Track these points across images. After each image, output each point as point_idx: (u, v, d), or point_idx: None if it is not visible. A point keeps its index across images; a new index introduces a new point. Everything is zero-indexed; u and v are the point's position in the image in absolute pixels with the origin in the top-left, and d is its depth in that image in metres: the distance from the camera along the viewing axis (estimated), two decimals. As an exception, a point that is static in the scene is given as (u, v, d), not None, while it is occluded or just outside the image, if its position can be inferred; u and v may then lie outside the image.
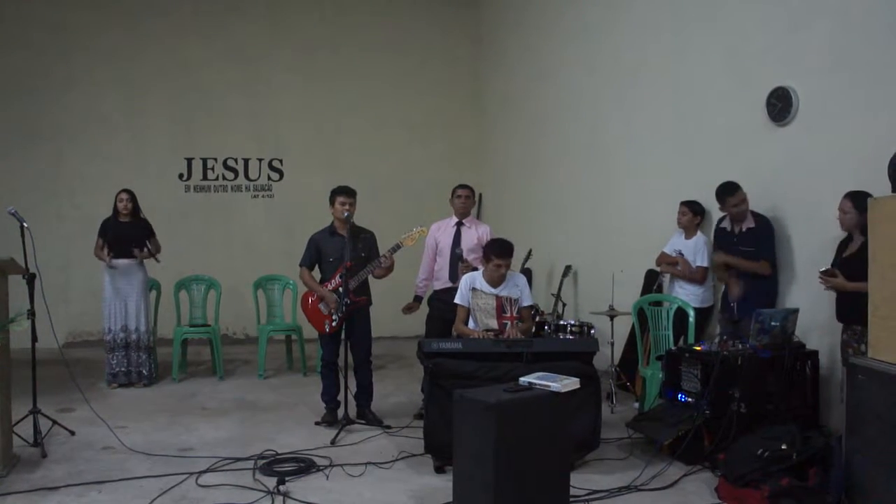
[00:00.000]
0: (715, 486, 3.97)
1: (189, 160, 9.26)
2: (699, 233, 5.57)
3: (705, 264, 5.45)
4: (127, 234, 6.51)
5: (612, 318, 5.94)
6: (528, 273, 7.43)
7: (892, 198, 3.54)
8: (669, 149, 6.12)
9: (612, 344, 5.96)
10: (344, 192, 5.40)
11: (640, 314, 5.68)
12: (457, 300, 5.07)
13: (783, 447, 3.80)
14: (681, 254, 5.61)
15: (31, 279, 4.63)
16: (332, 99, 9.53)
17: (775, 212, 5.02)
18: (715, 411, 4.33)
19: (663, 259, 5.79)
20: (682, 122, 5.97)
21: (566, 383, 3.63)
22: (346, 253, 5.21)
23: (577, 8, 7.57)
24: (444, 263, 5.78)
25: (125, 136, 9.07)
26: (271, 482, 4.06)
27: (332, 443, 4.86)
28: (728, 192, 5.04)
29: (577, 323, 6.19)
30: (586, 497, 3.90)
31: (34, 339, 4.70)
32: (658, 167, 6.26)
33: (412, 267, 6.00)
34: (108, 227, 6.56)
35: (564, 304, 7.24)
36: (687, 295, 5.50)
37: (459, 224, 5.83)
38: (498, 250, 4.89)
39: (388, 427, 5.24)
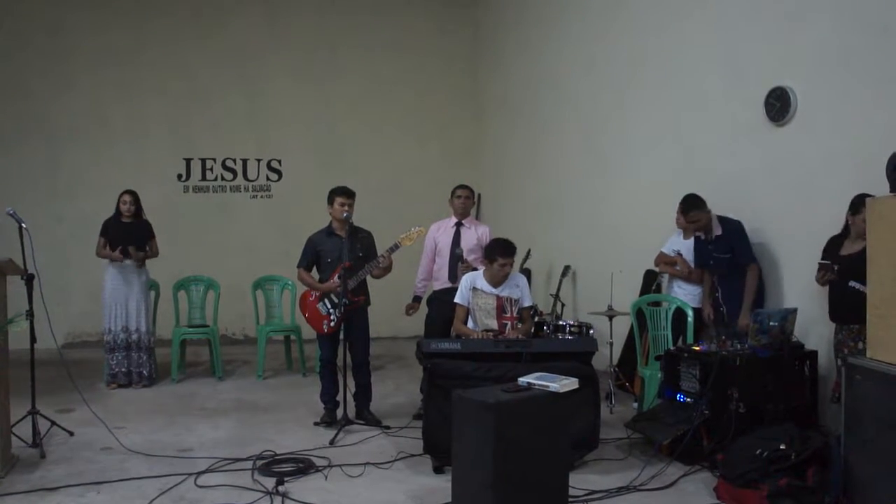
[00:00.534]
0: (714, 486, 3.98)
1: (188, 161, 9.26)
2: (698, 233, 5.57)
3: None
4: (128, 235, 6.51)
5: (610, 318, 5.94)
6: (526, 273, 7.43)
7: (890, 198, 3.54)
8: (668, 149, 6.12)
9: (611, 344, 5.96)
10: (343, 193, 5.40)
11: (639, 314, 5.68)
12: (457, 300, 5.07)
13: (782, 447, 3.80)
14: (679, 254, 5.60)
15: (29, 280, 4.63)
16: (330, 99, 9.53)
17: (774, 211, 5.02)
18: (714, 411, 4.33)
19: (662, 259, 5.80)
20: (680, 122, 5.97)
21: (565, 383, 3.63)
22: (344, 253, 5.21)
23: (575, 8, 7.58)
24: (443, 263, 5.78)
25: (124, 137, 9.06)
26: (270, 482, 4.05)
27: (331, 443, 4.86)
28: (682, 210, 5.18)
29: (575, 323, 6.20)
30: (585, 497, 3.90)
31: (33, 339, 4.70)
32: (656, 167, 6.27)
33: (411, 267, 6.00)
34: (109, 227, 6.57)
35: (563, 305, 7.24)
36: (685, 295, 5.50)
37: (459, 224, 5.84)
38: (503, 250, 4.90)
39: (387, 427, 5.24)
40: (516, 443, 3.40)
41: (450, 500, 3.67)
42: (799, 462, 3.73)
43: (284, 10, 9.46)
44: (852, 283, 4.08)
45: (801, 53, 4.76)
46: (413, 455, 4.58)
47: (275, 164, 9.48)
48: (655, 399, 5.11)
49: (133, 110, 9.09)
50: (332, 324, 5.37)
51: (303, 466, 4.33)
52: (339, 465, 4.38)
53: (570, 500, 3.74)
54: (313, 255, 5.49)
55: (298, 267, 5.53)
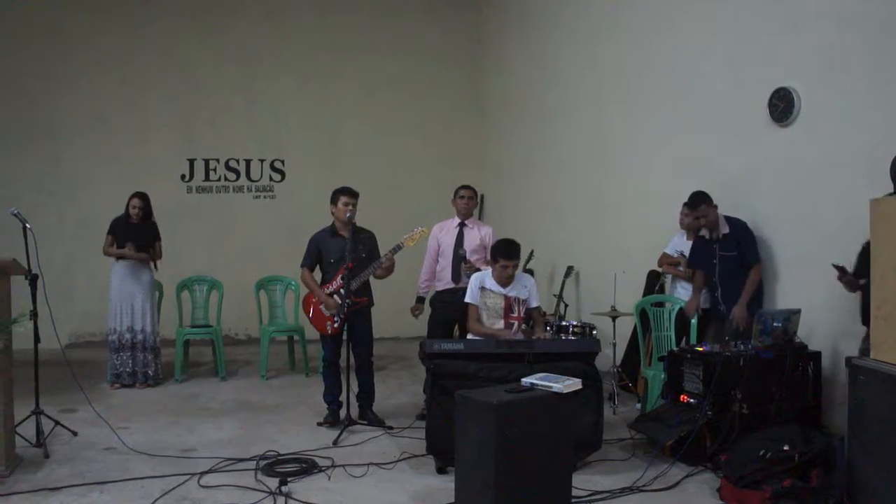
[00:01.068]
0: (717, 487, 3.97)
1: (191, 161, 9.27)
2: (701, 233, 5.57)
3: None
4: (135, 236, 6.54)
5: (613, 318, 5.94)
6: (529, 274, 7.42)
7: (893, 198, 3.54)
8: (671, 149, 6.12)
9: (614, 345, 5.96)
10: (347, 193, 5.40)
11: (642, 315, 5.68)
12: (467, 299, 5.05)
13: (785, 448, 3.80)
14: (682, 254, 5.61)
15: (33, 280, 4.64)
16: (333, 100, 9.54)
17: (777, 212, 5.01)
18: (717, 412, 4.32)
19: (665, 260, 5.80)
20: (683, 123, 5.97)
21: (568, 384, 3.63)
22: (347, 254, 5.21)
23: (577, 9, 7.58)
24: (446, 264, 5.78)
25: (127, 138, 9.07)
26: (273, 483, 4.06)
27: (334, 443, 4.86)
28: (690, 205, 5.17)
29: (578, 324, 6.20)
30: (588, 498, 3.90)
31: (37, 339, 4.71)
32: (659, 168, 6.26)
33: (414, 268, 6.00)
34: (117, 227, 6.59)
35: (566, 305, 7.24)
36: (688, 296, 5.49)
37: (462, 225, 5.84)
38: (505, 252, 4.90)
39: (390, 428, 5.24)
40: (519, 443, 3.40)
41: (453, 500, 3.68)
42: (802, 463, 3.73)
43: (286, 10, 9.46)
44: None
45: (804, 54, 4.76)
46: (416, 455, 4.58)
47: (278, 165, 9.49)
48: (658, 400, 5.11)
49: (135, 111, 9.09)
50: (336, 324, 5.37)
51: (306, 467, 4.34)
52: (343, 466, 4.38)
53: (573, 500, 3.74)
54: (316, 255, 5.50)
55: (302, 266, 5.53)
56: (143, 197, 6.63)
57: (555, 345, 4.73)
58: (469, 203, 5.86)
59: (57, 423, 4.94)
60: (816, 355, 4.53)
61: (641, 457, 4.56)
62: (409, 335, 8.30)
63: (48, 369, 5.25)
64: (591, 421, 4.35)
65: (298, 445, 4.80)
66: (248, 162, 9.42)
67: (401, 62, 9.69)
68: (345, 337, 5.37)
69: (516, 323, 4.97)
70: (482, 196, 9.11)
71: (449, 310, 5.66)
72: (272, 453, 4.58)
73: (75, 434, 4.98)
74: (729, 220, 5.11)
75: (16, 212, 4.80)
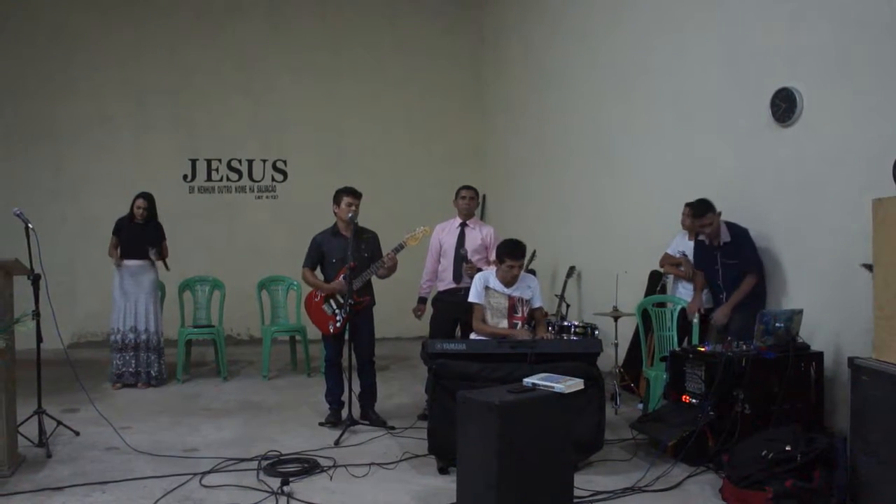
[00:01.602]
0: (719, 488, 3.97)
1: (193, 161, 9.28)
2: (703, 234, 5.56)
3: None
4: (139, 237, 6.55)
5: (615, 318, 5.93)
6: (532, 274, 7.42)
7: (896, 199, 3.54)
8: (673, 149, 6.11)
9: (616, 345, 5.96)
10: (350, 193, 5.40)
11: (644, 315, 5.67)
12: (472, 299, 5.03)
13: (787, 448, 3.79)
14: (684, 255, 5.60)
15: (36, 280, 4.65)
16: (334, 100, 9.54)
17: (780, 212, 5.00)
18: (719, 412, 4.32)
19: (667, 260, 5.79)
20: (685, 123, 5.96)
21: (570, 384, 3.63)
22: (349, 254, 5.21)
23: (579, 9, 7.57)
24: (447, 264, 5.78)
25: (129, 138, 9.09)
26: (275, 483, 4.06)
27: (336, 443, 4.87)
28: (696, 213, 5.10)
29: (580, 324, 6.19)
30: (590, 498, 3.90)
31: (39, 339, 4.71)
32: (661, 168, 6.26)
33: (416, 268, 6.00)
34: (122, 227, 6.61)
35: (568, 305, 7.24)
36: (690, 296, 5.49)
37: (463, 225, 5.84)
38: (511, 251, 4.90)
39: (392, 428, 5.24)
40: (521, 444, 3.40)
41: (455, 500, 3.68)
42: (805, 463, 3.73)
43: (288, 10, 9.47)
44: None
45: (806, 54, 4.75)
46: (418, 455, 4.58)
47: (280, 165, 9.50)
48: (660, 400, 5.10)
49: (137, 111, 9.11)
50: (338, 324, 5.37)
51: (308, 467, 4.34)
52: (344, 466, 4.39)
53: (575, 500, 3.74)
54: (318, 256, 5.50)
55: (303, 267, 5.54)
56: (148, 197, 6.65)
57: (557, 345, 4.73)
58: (470, 203, 5.87)
59: (59, 422, 4.95)
60: (819, 355, 4.52)
61: (643, 457, 4.55)
62: (411, 335, 8.31)
63: (50, 369, 5.26)
64: (592, 421, 4.35)
65: (300, 445, 4.80)
66: (250, 162, 9.43)
67: (403, 62, 9.70)
68: (347, 337, 5.38)
69: (520, 323, 4.97)
70: (484, 196, 9.12)
71: (451, 310, 5.66)
72: (274, 453, 4.59)
73: (77, 434, 4.99)
74: (730, 227, 5.05)
75: (18, 212, 4.81)
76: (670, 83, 6.13)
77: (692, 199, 5.58)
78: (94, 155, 8.98)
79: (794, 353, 4.40)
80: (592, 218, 7.37)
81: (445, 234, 5.86)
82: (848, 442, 3.65)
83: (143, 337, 6.57)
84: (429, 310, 5.95)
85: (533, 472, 3.45)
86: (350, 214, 5.28)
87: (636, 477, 4.17)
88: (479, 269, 5.43)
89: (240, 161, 9.40)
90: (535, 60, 8.51)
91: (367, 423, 5.32)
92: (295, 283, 7.43)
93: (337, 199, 5.44)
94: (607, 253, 7.00)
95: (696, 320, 5.32)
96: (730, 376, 4.32)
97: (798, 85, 4.80)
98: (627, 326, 6.19)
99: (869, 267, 3.92)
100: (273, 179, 9.49)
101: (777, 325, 4.46)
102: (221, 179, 9.37)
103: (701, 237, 5.23)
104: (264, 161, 9.46)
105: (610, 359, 5.93)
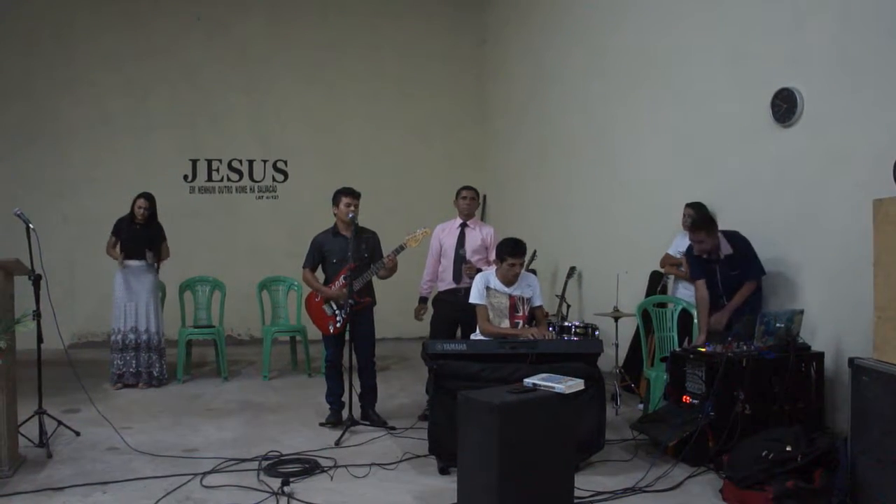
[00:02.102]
0: (719, 488, 3.97)
1: (194, 161, 9.29)
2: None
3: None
4: (140, 237, 6.55)
5: (616, 319, 5.93)
6: (532, 273, 7.43)
7: (897, 199, 3.54)
8: (674, 150, 6.11)
9: (617, 345, 5.96)
10: (349, 193, 5.40)
11: (645, 315, 5.67)
12: (474, 300, 5.01)
13: (788, 449, 3.79)
14: (685, 255, 5.59)
15: (36, 280, 4.64)
16: (335, 100, 9.55)
17: (780, 212, 5.00)
18: (719, 413, 4.32)
19: (667, 260, 5.79)
20: (686, 124, 5.96)
21: (570, 385, 3.63)
22: (349, 254, 5.21)
23: (580, 10, 7.58)
24: (448, 265, 5.78)
25: (130, 138, 9.10)
26: (276, 483, 4.06)
27: (337, 444, 4.87)
28: (691, 228, 5.00)
29: (581, 324, 6.19)
30: (591, 498, 3.90)
31: (40, 339, 4.71)
32: (662, 168, 6.26)
33: (416, 268, 6.01)
34: (122, 227, 6.61)
35: (569, 306, 7.24)
36: (691, 296, 5.47)
37: (464, 225, 5.84)
38: (512, 250, 4.90)
39: (393, 428, 5.24)
40: (521, 444, 3.40)
41: (455, 501, 3.68)
42: (805, 464, 3.73)
43: (289, 11, 9.48)
44: None
45: (807, 54, 4.75)
46: (418, 456, 4.58)
47: (280, 165, 9.50)
48: (661, 400, 5.10)
49: (138, 111, 9.11)
50: (338, 324, 5.37)
51: (308, 467, 4.34)
52: (345, 466, 4.39)
53: (576, 501, 3.74)
54: (318, 256, 5.50)
55: (304, 267, 5.54)
56: (148, 198, 6.65)
57: (557, 345, 4.72)
58: (471, 204, 5.87)
59: (60, 423, 4.95)
60: (819, 356, 4.52)
61: (644, 457, 4.55)
62: (411, 335, 8.31)
63: (51, 369, 5.26)
64: (593, 422, 4.35)
65: (301, 446, 4.80)
66: (251, 162, 9.44)
67: (404, 63, 9.71)
68: (347, 337, 5.38)
69: (521, 322, 4.97)
70: (484, 196, 9.12)
71: (451, 310, 5.66)
72: (275, 454, 4.59)
73: (78, 434, 4.99)
74: (731, 238, 4.95)
75: (19, 212, 4.81)
76: (670, 83, 6.13)
77: (692, 199, 5.60)
78: (95, 155, 8.99)
79: (794, 353, 4.40)
80: (593, 218, 7.37)
81: (446, 234, 5.86)
82: (848, 442, 3.65)
83: (144, 337, 6.57)
84: (429, 310, 5.95)
85: (534, 473, 3.45)
86: (350, 215, 5.28)
87: (637, 477, 4.17)
88: (479, 270, 5.43)
89: (240, 161, 9.41)
90: (535, 61, 8.51)
91: (367, 423, 5.32)
92: (295, 283, 7.43)
93: (336, 200, 5.44)
94: (608, 253, 7.00)
95: (696, 320, 5.30)
96: (730, 377, 4.31)
97: (798, 85, 4.80)
98: (628, 327, 6.19)
99: None
100: (274, 179, 9.49)
101: (778, 325, 4.46)
102: (222, 179, 9.38)
103: (696, 251, 5.03)
104: (265, 161, 9.47)
105: (610, 359, 5.93)
